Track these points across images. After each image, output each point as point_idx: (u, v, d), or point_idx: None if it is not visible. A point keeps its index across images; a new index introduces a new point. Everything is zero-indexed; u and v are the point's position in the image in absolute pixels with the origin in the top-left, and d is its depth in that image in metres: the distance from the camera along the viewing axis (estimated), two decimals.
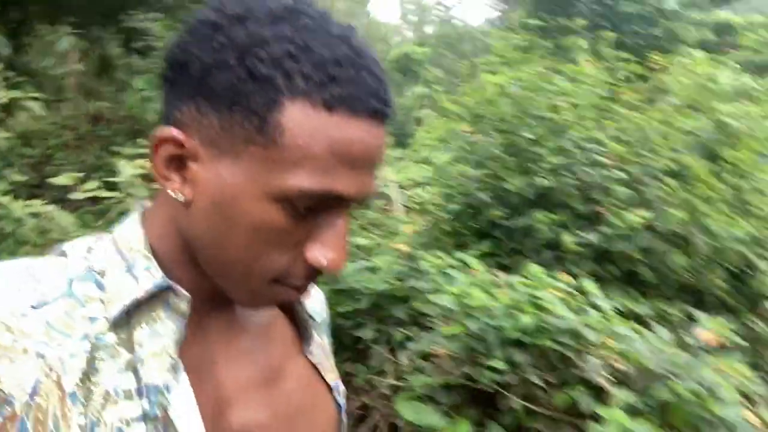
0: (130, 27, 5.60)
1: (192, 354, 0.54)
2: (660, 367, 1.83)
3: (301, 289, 0.54)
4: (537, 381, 1.93)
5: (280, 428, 0.59)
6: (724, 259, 2.58)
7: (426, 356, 2.30)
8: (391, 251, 2.82)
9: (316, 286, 0.71)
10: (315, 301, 0.73)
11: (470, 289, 2.11)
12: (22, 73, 4.55)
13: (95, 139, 5.33)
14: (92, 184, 2.96)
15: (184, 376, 0.52)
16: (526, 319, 1.83)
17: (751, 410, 2.06)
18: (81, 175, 2.92)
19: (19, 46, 5.54)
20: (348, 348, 2.51)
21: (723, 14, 15.69)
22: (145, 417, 0.48)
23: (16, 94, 3.79)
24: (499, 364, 1.88)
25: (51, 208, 3.07)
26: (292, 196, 0.47)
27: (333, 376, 0.68)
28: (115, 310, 0.50)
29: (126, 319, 0.51)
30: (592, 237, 2.68)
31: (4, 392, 0.45)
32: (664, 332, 1.85)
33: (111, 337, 0.50)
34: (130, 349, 0.50)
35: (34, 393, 0.46)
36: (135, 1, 5.79)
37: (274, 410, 0.59)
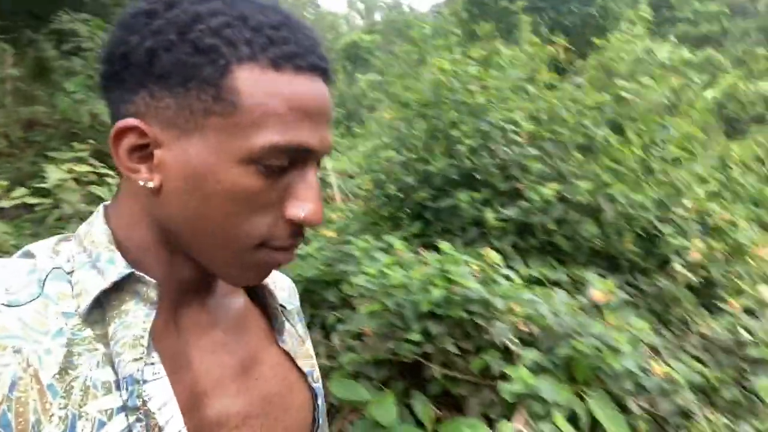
0: (59, 29, 5.47)
1: (167, 345, 0.55)
2: (562, 327, 1.98)
3: (289, 250, 0.55)
4: (453, 349, 2.06)
5: (256, 416, 0.60)
6: (633, 225, 2.76)
7: (356, 336, 2.41)
8: (323, 238, 2.91)
9: (283, 275, 0.76)
10: (285, 290, 0.74)
11: (390, 269, 2.22)
12: None
13: (29, 146, 5.21)
14: (20, 192, 2.93)
15: (160, 366, 0.52)
16: (437, 293, 1.95)
17: (654, 360, 2.25)
18: (5, 183, 2.88)
19: None
20: None
21: None
22: (125, 408, 0.49)
23: None
24: (416, 336, 2.00)
25: None
26: (263, 155, 0.49)
27: (308, 363, 0.69)
28: (83, 304, 0.50)
29: (101, 314, 0.51)
30: (512, 212, 2.83)
31: None
32: (563, 295, 2.00)
33: (87, 332, 0.50)
34: (106, 343, 0.50)
35: (12, 388, 0.46)
36: (63, 1, 5.65)
37: (249, 399, 0.60)
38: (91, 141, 4.16)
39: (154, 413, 0.50)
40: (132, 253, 0.54)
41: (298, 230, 0.54)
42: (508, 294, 2.03)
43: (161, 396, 0.51)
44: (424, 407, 2.01)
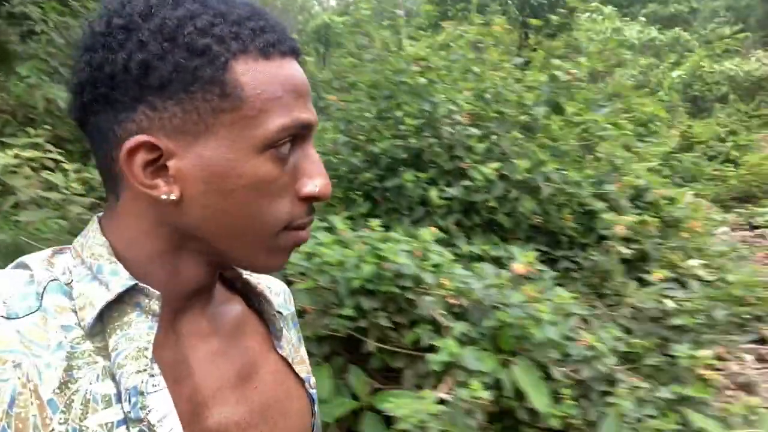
0: (11, 12, 5.35)
1: (167, 355, 0.55)
2: (489, 299, 2.06)
3: (306, 226, 0.57)
4: (387, 324, 2.14)
5: (256, 424, 0.60)
6: (571, 202, 2.86)
7: (299, 313, 2.47)
8: None
9: (277, 280, 0.77)
10: (280, 295, 0.74)
11: (330, 248, 2.28)
12: None
13: None
14: None
15: (160, 378, 0.52)
16: (368, 269, 2.01)
17: (583, 329, 2.35)
18: None
19: None
20: None
21: None
22: (125, 421, 0.49)
23: None
24: (349, 312, 2.07)
25: None
26: (277, 138, 0.51)
27: (304, 369, 0.70)
28: (88, 317, 0.50)
29: (100, 327, 0.51)
30: (456, 191, 2.90)
31: None
32: (490, 268, 2.08)
33: (87, 345, 0.50)
34: (107, 356, 0.50)
35: (12, 404, 0.45)
36: None
37: (249, 408, 0.60)
38: (47, 126, 4.12)
39: (154, 425, 0.50)
40: (135, 265, 0.54)
41: (311, 208, 0.56)
42: (440, 269, 2.10)
43: (161, 408, 0.51)
44: (357, 380, 2.08)
